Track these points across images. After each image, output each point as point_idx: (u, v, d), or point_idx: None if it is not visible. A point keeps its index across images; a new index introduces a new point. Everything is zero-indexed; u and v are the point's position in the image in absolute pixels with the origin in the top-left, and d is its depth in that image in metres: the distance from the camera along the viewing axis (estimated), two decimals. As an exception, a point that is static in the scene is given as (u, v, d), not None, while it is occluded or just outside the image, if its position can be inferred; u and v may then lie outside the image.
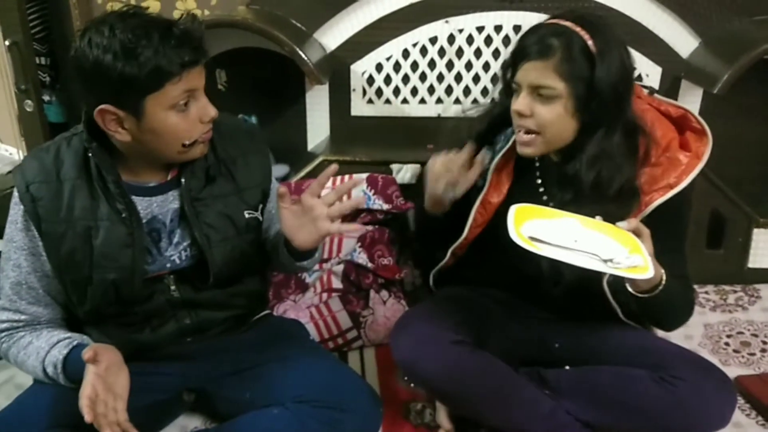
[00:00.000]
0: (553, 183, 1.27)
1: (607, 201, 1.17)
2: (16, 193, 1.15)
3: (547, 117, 1.18)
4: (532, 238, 1.05)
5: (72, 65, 1.06)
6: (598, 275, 1.25)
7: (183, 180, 1.18)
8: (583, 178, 1.18)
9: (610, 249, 1.05)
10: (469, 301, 1.40)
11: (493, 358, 1.27)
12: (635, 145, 1.20)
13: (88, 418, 1.02)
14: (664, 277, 1.14)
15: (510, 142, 1.30)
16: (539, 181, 1.32)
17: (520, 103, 1.19)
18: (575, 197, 1.19)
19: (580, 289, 1.25)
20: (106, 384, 1.05)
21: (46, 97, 2.00)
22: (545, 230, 1.07)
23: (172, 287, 1.22)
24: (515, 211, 1.09)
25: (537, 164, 1.33)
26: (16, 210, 1.15)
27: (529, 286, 1.34)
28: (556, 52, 1.14)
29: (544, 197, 1.30)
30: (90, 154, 1.14)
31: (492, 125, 1.34)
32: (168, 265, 1.20)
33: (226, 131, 1.25)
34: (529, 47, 1.16)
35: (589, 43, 1.14)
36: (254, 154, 1.28)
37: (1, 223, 1.19)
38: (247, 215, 1.25)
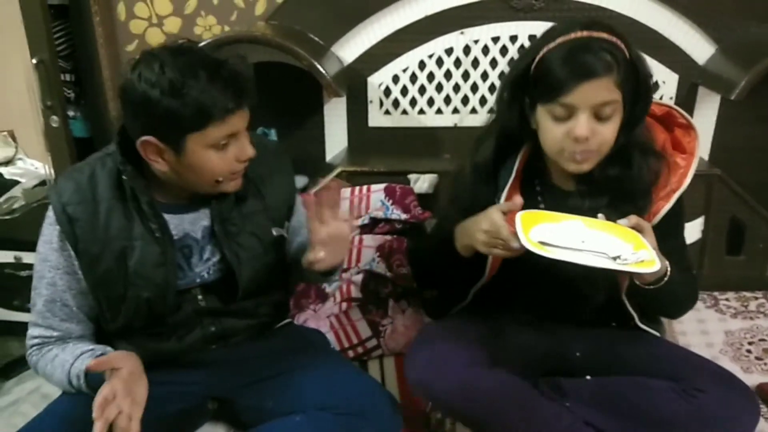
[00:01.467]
0: (554, 202, 1.25)
1: (638, 199, 1.19)
2: (51, 214, 1.17)
3: (608, 135, 1.14)
4: (542, 243, 1.07)
5: (120, 95, 1.09)
6: (616, 287, 1.27)
7: (213, 200, 1.21)
8: (636, 173, 1.18)
9: (616, 247, 1.08)
10: (485, 317, 1.39)
11: (509, 377, 1.25)
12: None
13: (95, 414, 1.00)
14: (669, 269, 1.16)
15: (514, 173, 1.26)
16: (542, 206, 1.28)
17: (582, 127, 1.12)
18: (611, 201, 1.20)
19: (601, 301, 1.28)
20: (126, 388, 1.06)
21: (71, 113, 2.04)
22: (552, 234, 1.09)
23: (200, 297, 1.24)
24: (521, 218, 1.09)
25: (537, 188, 1.30)
26: (51, 230, 1.17)
27: (557, 306, 1.33)
28: (613, 66, 1.10)
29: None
30: (124, 177, 1.16)
31: (498, 158, 1.27)
32: (198, 280, 1.23)
33: (257, 151, 1.26)
34: (588, 66, 1.09)
35: (626, 50, 1.13)
36: (280, 173, 1.30)
37: (29, 235, 1.21)
38: (275, 233, 1.27)
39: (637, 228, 1.12)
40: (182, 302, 1.22)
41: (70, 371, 1.16)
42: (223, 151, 1.11)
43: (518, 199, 1.17)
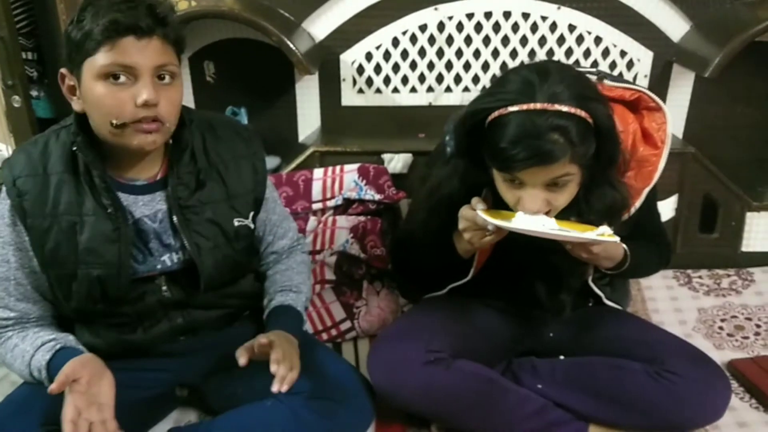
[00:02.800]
0: None
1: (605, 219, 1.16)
2: (3, 188, 1.13)
3: (563, 201, 1.10)
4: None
5: None
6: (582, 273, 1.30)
7: (169, 182, 1.16)
8: (595, 211, 1.14)
9: (576, 231, 1.09)
10: (449, 306, 1.37)
11: (473, 368, 1.24)
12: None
13: None
14: (629, 255, 1.18)
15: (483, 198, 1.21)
16: None
17: (532, 202, 1.07)
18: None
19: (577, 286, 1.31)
20: (88, 399, 1.03)
21: (34, 93, 1.98)
22: (516, 221, 1.08)
23: (164, 287, 1.20)
24: (483, 213, 1.08)
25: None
26: (3, 205, 1.13)
27: (537, 295, 1.33)
28: (567, 149, 1.01)
29: None
30: (74, 148, 1.11)
31: (469, 190, 1.19)
32: (158, 266, 1.18)
33: (222, 134, 1.22)
34: (540, 153, 1.01)
35: (585, 115, 1.03)
36: (247, 159, 1.24)
37: None
38: (236, 223, 1.22)
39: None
40: (145, 292, 1.18)
41: (31, 363, 1.12)
42: (117, 88, 1.02)
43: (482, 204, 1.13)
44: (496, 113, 1.05)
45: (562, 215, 1.13)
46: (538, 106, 1.02)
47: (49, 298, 1.18)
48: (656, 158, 1.24)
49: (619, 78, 1.28)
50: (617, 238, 1.07)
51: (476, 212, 1.09)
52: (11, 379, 1.45)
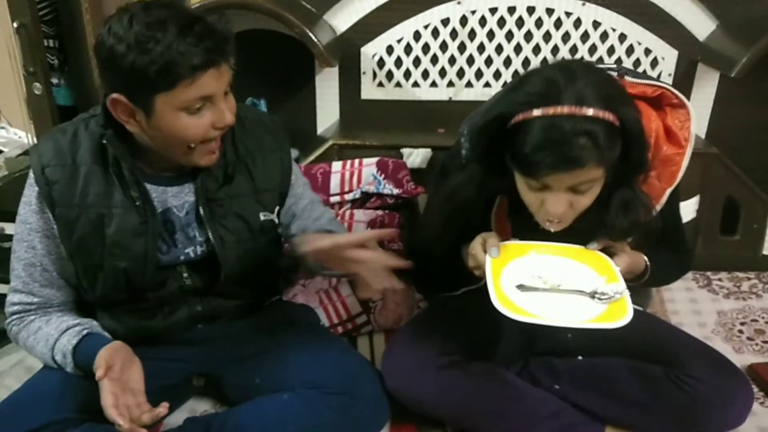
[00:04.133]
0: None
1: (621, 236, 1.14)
2: (31, 174, 1.13)
3: (586, 204, 1.05)
4: (521, 287, 1.07)
5: (94, 51, 1.03)
6: None
7: (198, 178, 1.15)
8: (617, 226, 1.10)
9: (590, 280, 1.07)
10: (465, 306, 1.34)
11: (488, 371, 1.23)
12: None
13: (126, 426, 1.01)
14: (649, 267, 1.15)
15: (497, 204, 1.21)
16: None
17: (555, 206, 1.03)
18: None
19: None
20: (122, 385, 1.05)
21: (54, 80, 1.98)
22: (526, 273, 1.08)
23: (185, 275, 1.20)
24: (491, 265, 1.06)
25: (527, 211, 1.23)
26: (30, 191, 1.13)
27: None
28: (593, 154, 0.97)
29: (539, 227, 1.18)
30: (104, 141, 1.11)
31: (486, 197, 1.17)
32: (182, 257, 1.19)
33: (251, 127, 1.21)
34: (566, 159, 0.97)
35: (613, 118, 0.98)
36: (274, 153, 1.23)
37: (12, 205, 1.17)
38: (262, 217, 1.22)
39: (607, 248, 1.10)
40: (167, 279, 1.19)
41: (55, 346, 1.14)
42: (197, 116, 1.04)
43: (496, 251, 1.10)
44: (519, 116, 1.00)
45: (583, 224, 1.10)
46: (565, 110, 0.97)
47: (74, 284, 1.19)
48: (680, 157, 1.19)
49: (641, 74, 1.24)
50: (627, 319, 1.01)
51: (486, 261, 1.07)
52: (26, 364, 1.46)
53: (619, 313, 1.01)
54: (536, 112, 0.98)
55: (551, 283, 1.07)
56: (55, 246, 1.15)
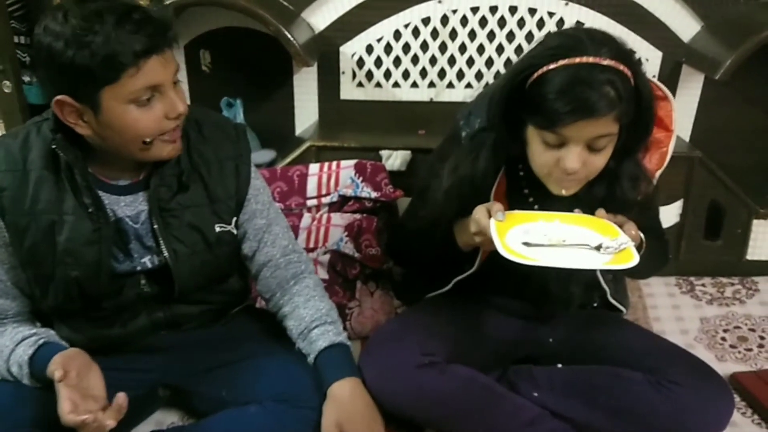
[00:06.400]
0: (540, 189, 1.19)
1: (624, 209, 1.15)
2: None
3: (599, 164, 1.09)
4: (525, 243, 1.06)
5: (32, 53, 1.00)
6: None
7: (152, 184, 1.11)
8: (629, 199, 1.14)
9: (595, 238, 1.08)
10: (447, 308, 1.34)
11: (467, 373, 1.21)
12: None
13: (90, 418, 0.97)
14: (644, 242, 1.14)
15: (497, 181, 1.21)
16: (526, 191, 1.24)
17: (574, 161, 1.06)
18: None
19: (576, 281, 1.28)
20: (81, 392, 1.01)
21: (26, 78, 1.92)
22: (532, 233, 1.08)
23: (143, 281, 1.16)
24: (496, 225, 1.06)
25: (521, 173, 1.24)
26: None
27: (548, 292, 1.29)
28: (615, 104, 1.02)
29: (536, 206, 1.23)
30: (53, 146, 1.07)
31: (494, 169, 1.19)
32: (138, 267, 1.15)
33: (208, 133, 1.17)
34: (590, 104, 1.01)
35: (630, 75, 1.04)
36: (231, 160, 1.19)
37: None
38: (218, 229, 1.17)
39: (615, 221, 1.10)
40: (123, 287, 1.15)
41: (10, 358, 1.10)
42: (147, 108, 1.01)
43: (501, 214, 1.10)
44: (543, 68, 1.04)
45: (587, 197, 1.13)
46: (590, 59, 1.02)
47: (27, 293, 1.15)
48: (668, 140, 1.26)
49: None
50: (636, 258, 1.03)
51: (490, 223, 1.06)
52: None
53: (626, 259, 1.03)
54: (562, 62, 1.03)
55: (556, 240, 1.08)
56: (8, 255, 1.10)
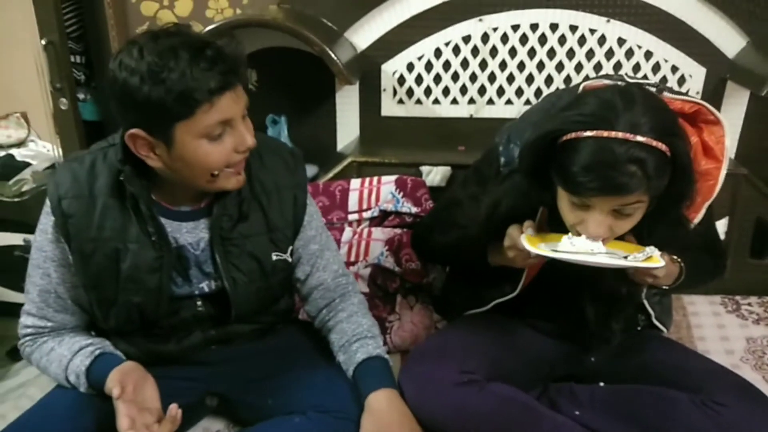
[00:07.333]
0: None
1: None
2: (48, 203, 1.12)
3: (627, 227, 1.05)
4: (556, 251, 1.06)
5: (107, 86, 1.02)
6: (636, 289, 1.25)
7: (214, 212, 1.14)
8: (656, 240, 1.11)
9: (622, 253, 1.07)
10: (487, 326, 1.33)
11: (506, 391, 1.21)
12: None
13: None
14: (683, 269, 1.14)
15: (539, 217, 1.19)
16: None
17: (596, 227, 1.03)
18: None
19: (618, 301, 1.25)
20: (137, 406, 1.04)
21: (80, 96, 2.02)
22: (561, 247, 1.07)
23: (199, 303, 1.19)
24: (526, 239, 1.07)
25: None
26: (47, 220, 1.13)
27: (576, 326, 1.29)
28: (642, 183, 0.97)
29: None
30: (121, 177, 1.10)
31: (526, 212, 1.16)
32: (196, 292, 1.18)
33: (269, 162, 1.19)
34: (614, 185, 0.97)
35: (665, 149, 0.98)
36: (289, 189, 1.20)
37: (38, 218, 1.15)
38: (275, 257, 1.20)
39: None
40: (180, 308, 1.18)
41: (68, 367, 1.14)
42: (218, 142, 1.03)
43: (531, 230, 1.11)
44: (572, 135, 1.00)
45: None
46: (619, 135, 0.96)
47: (88, 310, 1.19)
48: (717, 171, 1.19)
49: (678, 91, 1.24)
50: (663, 263, 1.04)
51: (522, 235, 1.07)
52: (39, 383, 1.45)
53: (654, 262, 1.04)
54: (589, 133, 0.98)
55: (584, 250, 1.06)
56: (71, 275, 1.14)
